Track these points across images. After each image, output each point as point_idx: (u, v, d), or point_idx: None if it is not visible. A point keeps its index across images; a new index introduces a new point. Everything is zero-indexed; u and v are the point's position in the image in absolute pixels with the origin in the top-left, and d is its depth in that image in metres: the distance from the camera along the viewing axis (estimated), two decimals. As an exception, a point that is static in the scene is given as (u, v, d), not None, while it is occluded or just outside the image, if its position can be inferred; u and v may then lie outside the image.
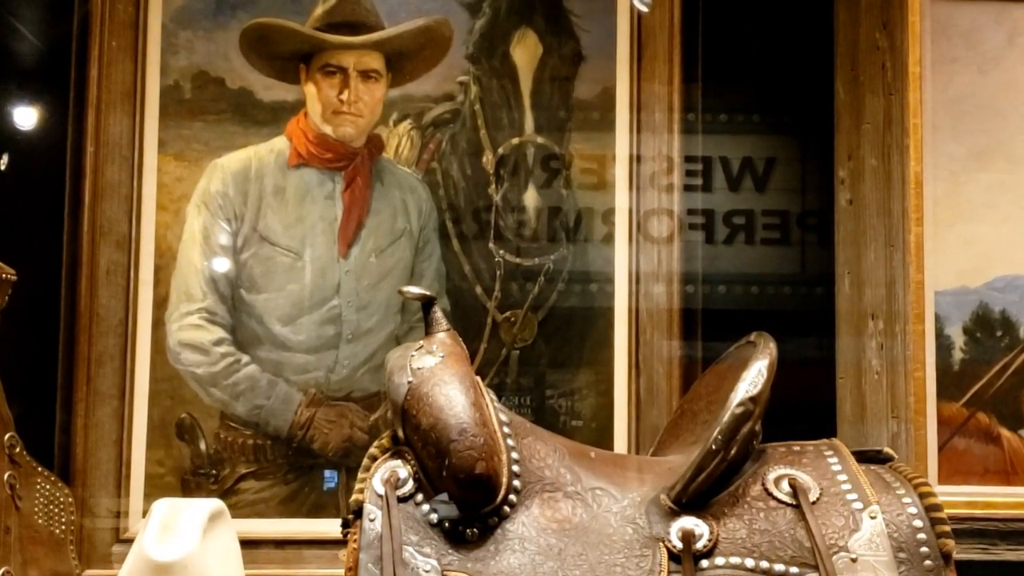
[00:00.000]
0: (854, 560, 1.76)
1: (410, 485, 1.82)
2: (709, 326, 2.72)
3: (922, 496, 1.85)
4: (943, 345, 2.59)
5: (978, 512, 2.51)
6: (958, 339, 2.60)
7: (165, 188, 2.71)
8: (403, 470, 1.84)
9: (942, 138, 2.62)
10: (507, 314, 2.74)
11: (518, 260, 2.75)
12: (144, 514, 2.59)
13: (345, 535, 1.83)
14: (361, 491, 1.83)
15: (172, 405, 2.66)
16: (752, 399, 1.85)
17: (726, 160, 2.82)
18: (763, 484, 1.86)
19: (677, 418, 2.19)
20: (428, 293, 1.98)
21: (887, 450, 2.02)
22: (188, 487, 2.63)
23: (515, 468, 1.84)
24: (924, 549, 1.78)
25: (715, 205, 2.82)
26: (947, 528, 1.81)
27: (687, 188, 2.76)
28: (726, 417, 1.84)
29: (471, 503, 1.78)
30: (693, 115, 2.79)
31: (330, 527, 2.60)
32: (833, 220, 2.75)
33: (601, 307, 2.72)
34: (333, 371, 2.69)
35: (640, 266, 2.71)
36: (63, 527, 2.32)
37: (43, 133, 2.75)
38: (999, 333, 2.60)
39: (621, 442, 2.64)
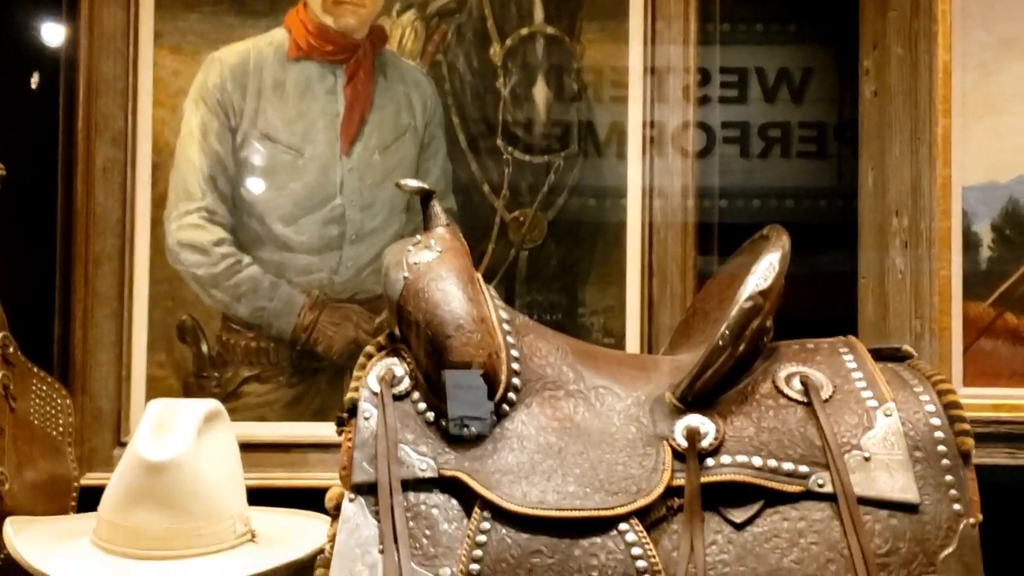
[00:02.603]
0: (867, 459, 1.69)
1: (406, 383, 1.76)
2: (725, 238, 2.62)
3: (940, 394, 1.76)
4: (970, 243, 2.48)
5: (1004, 415, 2.42)
6: (986, 236, 2.49)
7: (161, 83, 2.63)
8: (399, 368, 1.78)
9: (972, 25, 2.49)
10: (516, 214, 2.65)
11: (527, 157, 2.66)
12: (150, 415, 2.57)
13: (340, 434, 1.78)
14: (356, 389, 1.77)
15: (173, 307, 2.61)
16: (762, 293, 1.76)
17: (757, 70, 2.70)
18: (773, 381, 1.78)
19: (688, 317, 2.11)
20: (426, 186, 1.90)
21: (906, 347, 1.93)
22: (190, 390, 2.59)
23: (515, 366, 1.77)
24: (941, 448, 1.70)
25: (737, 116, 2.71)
26: (966, 426, 1.72)
27: (713, 99, 2.64)
28: (734, 312, 1.75)
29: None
30: (711, 24, 2.66)
31: (334, 430, 2.57)
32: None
33: (613, 206, 2.63)
34: (337, 272, 2.62)
35: (654, 167, 2.61)
36: (60, 429, 2.28)
37: (35, 27, 2.66)
38: (1029, 230, 2.49)
39: (634, 343, 2.57)
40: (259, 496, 2.25)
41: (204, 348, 2.60)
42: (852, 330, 2.55)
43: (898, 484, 1.67)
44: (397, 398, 1.75)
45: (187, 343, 2.61)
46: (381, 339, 1.84)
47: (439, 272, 1.79)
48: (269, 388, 2.61)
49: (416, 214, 2.62)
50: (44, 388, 2.26)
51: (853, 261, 2.61)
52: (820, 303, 2.49)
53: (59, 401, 2.28)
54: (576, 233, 2.64)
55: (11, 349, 2.19)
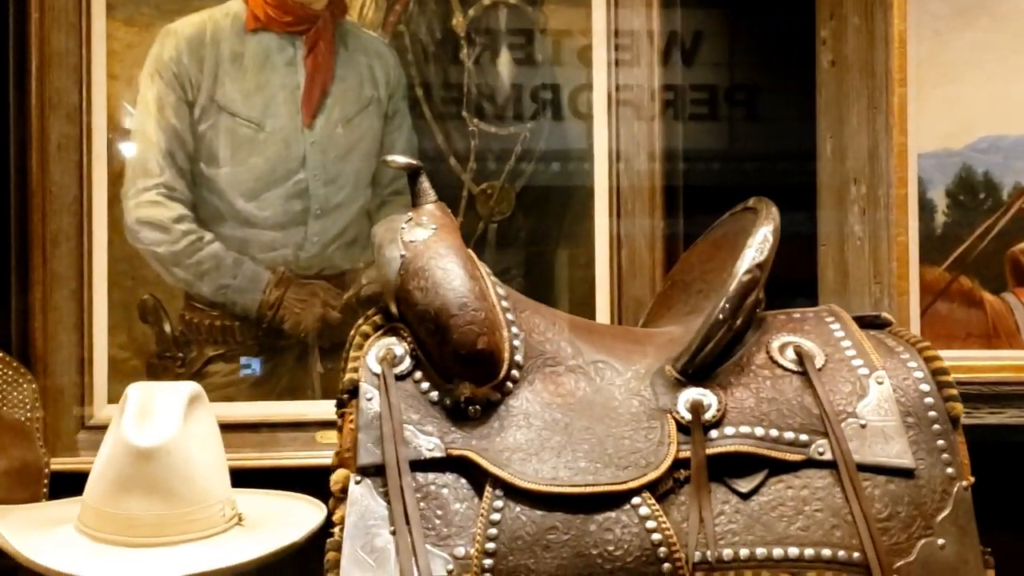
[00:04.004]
0: (863, 426, 1.74)
1: (407, 363, 1.76)
2: (690, 202, 2.64)
3: (927, 360, 1.83)
4: (926, 209, 2.55)
5: (961, 376, 2.46)
6: (941, 202, 2.56)
7: (116, 56, 2.53)
8: (399, 347, 1.77)
9: (926, -5, 2.55)
10: (483, 186, 2.63)
11: (493, 129, 2.63)
12: (109, 400, 2.50)
13: (341, 415, 1.76)
14: (355, 370, 1.75)
15: (133, 286, 2.53)
16: (759, 266, 1.80)
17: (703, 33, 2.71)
18: (767, 352, 1.82)
19: (667, 289, 2.13)
20: (415, 162, 1.89)
21: (885, 315, 1.99)
22: (154, 371, 2.52)
23: (516, 343, 1.78)
24: (932, 413, 1.76)
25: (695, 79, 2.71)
26: (954, 391, 1.79)
27: (675, 62, 2.64)
28: (733, 285, 1.78)
29: (471, 379, 1.72)
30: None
31: (305, 409, 2.55)
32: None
33: (580, 177, 2.62)
34: (302, 248, 2.57)
35: (620, 133, 2.61)
36: (28, 415, 2.22)
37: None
38: (982, 195, 2.56)
39: (603, 314, 2.58)
40: (231, 477, 2.21)
41: (167, 328, 2.54)
42: (813, 294, 2.62)
43: (894, 450, 1.72)
44: (399, 378, 1.74)
45: (149, 323, 2.54)
46: (377, 319, 1.82)
47: (437, 250, 1.78)
48: (235, 367, 2.55)
49: (381, 188, 2.59)
50: (9, 373, 2.20)
51: (812, 226, 2.65)
52: (779, 268, 2.53)
53: (25, 386, 2.22)
54: (544, 204, 2.63)
55: (-23, 335, 2.12)
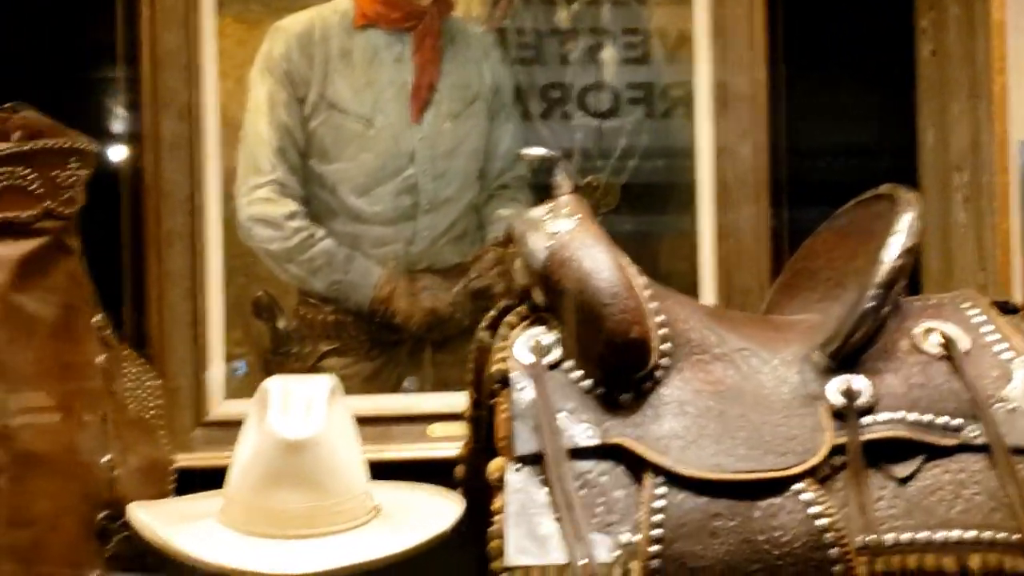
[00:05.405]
0: (1012, 410, 1.75)
1: (557, 352, 1.76)
2: (794, 194, 2.65)
3: (1069, 344, 1.83)
4: (1025, 196, 2.57)
5: (1062, 363, 2.51)
6: (1040, 188, 2.58)
7: (226, 54, 2.54)
8: (547, 337, 1.78)
9: (1023, -17, 2.57)
10: (588, 179, 2.64)
11: (597, 122, 2.64)
12: (225, 397, 2.52)
13: (491, 406, 1.78)
14: (503, 360, 1.77)
15: (247, 283, 2.54)
16: (908, 251, 1.81)
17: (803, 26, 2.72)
18: (910, 338, 1.83)
19: (790, 278, 2.13)
20: (553, 153, 1.91)
21: (1014, 301, 2.00)
22: (270, 367, 2.53)
23: (663, 331, 1.78)
24: (1076, 395, 1.77)
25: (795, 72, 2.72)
26: (1095, 374, 1.79)
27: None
28: (884, 272, 1.79)
29: (624, 368, 1.73)
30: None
31: (417, 402, 2.57)
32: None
33: (683, 170, 2.64)
34: (412, 243, 2.58)
35: (723, 127, 2.62)
36: (152, 412, 2.23)
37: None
38: (1081, 181, 2.58)
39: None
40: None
41: (281, 324, 2.55)
42: (917, 282, 2.63)
43: (1043, 432, 1.73)
44: (550, 367, 1.75)
45: (264, 319, 2.54)
46: (521, 309, 1.84)
47: (584, 240, 1.80)
48: (349, 361, 2.56)
49: (488, 182, 2.60)
50: (135, 370, 2.19)
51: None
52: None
53: (149, 383, 2.21)
54: (648, 197, 2.64)
55: (107, 331, 2.12)
